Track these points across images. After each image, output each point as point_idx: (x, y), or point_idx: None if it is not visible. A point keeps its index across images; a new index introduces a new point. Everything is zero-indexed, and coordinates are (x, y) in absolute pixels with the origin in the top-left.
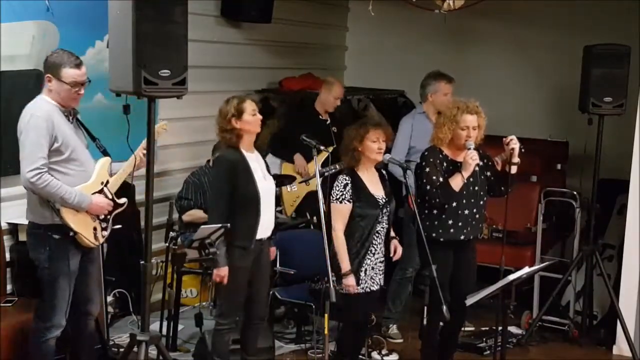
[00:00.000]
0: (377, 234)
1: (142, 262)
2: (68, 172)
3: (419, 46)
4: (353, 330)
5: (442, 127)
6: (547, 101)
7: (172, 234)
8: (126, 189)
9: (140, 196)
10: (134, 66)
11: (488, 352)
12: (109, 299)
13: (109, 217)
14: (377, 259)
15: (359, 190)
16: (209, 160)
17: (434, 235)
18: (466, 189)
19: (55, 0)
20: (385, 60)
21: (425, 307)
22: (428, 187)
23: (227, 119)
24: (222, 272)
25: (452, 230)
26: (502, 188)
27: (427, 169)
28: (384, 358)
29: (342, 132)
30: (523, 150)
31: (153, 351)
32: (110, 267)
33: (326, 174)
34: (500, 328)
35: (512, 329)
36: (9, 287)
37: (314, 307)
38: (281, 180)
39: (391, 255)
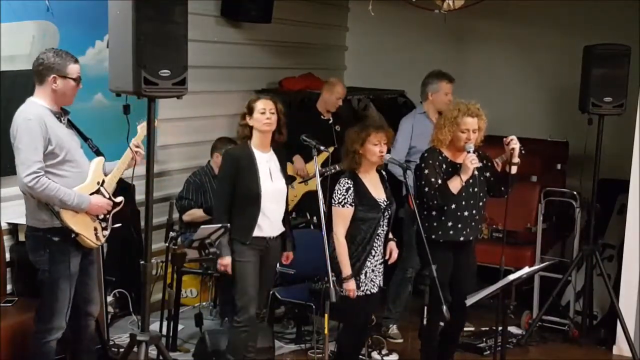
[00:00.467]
0: (377, 237)
1: (142, 262)
2: (64, 174)
3: (419, 46)
4: (353, 332)
5: (443, 128)
6: (547, 101)
7: (172, 234)
8: (126, 189)
9: (140, 196)
10: (134, 66)
11: (488, 352)
12: (109, 299)
13: (108, 216)
14: (377, 261)
15: (361, 193)
16: (209, 161)
17: (433, 236)
18: (465, 191)
19: (55, 0)
20: (385, 60)
21: (425, 307)
22: (426, 189)
23: (242, 114)
24: (225, 262)
25: (451, 232)
26: (502, 188)
27: (426, 171)
28: (384, 358)
29: (345, 132)
30: (523, 151)
31: (153, 351)
32: (110, 267)
33: (326, 174)
34: (500, 328)
35: (512, 329)
36: (9, 287)
37: (314, 307)
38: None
39: (386, 258)
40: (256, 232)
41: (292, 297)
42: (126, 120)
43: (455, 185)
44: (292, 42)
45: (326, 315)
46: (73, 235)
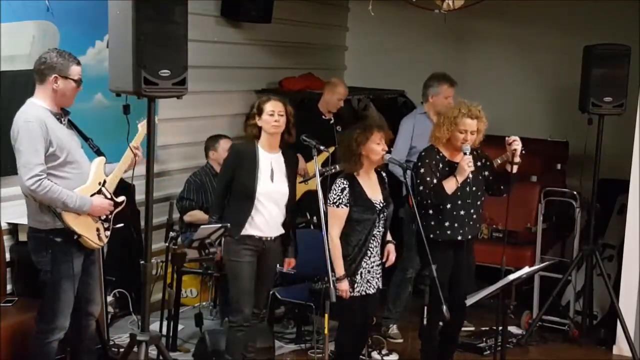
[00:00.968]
0: (373, 238)
1: (142, 262)
2: (65, 176)
3: (419, 46)
4: (350, 332)
5: (441, 126)
6: (547, 101)
7: (172, 234)
8: (126, 189)
9: (140, 196)
10: (134, 66)
11: (488, 352)
12: (109, 299)
13: (109, 216)
14: (374, 262)
15: (357, 194)
16: (208, 161)
17: (431, 236)
18: (462, 190)
19: (55, 0)
20: (385, 60)
21: (425, 307)
22: (421, 188)
23: (252, 114)
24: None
25: (449, 232)
26: (502, 187)
27: (422, 170)
28: (384, 358)
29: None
30: (524, 151)
31: (153, 351)
32: (110, 267)
33: (326, 174)
34: (500, 328)
35: (512, 329)
36: (9, 287)
37: (314, 307)
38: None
39: (383, 260)
40: (252, 231)
41: (292, 297)
42: (126, 120)
43: (450, 185)
44: (292, 42)
45: (326, 315)
46: (75, 237)
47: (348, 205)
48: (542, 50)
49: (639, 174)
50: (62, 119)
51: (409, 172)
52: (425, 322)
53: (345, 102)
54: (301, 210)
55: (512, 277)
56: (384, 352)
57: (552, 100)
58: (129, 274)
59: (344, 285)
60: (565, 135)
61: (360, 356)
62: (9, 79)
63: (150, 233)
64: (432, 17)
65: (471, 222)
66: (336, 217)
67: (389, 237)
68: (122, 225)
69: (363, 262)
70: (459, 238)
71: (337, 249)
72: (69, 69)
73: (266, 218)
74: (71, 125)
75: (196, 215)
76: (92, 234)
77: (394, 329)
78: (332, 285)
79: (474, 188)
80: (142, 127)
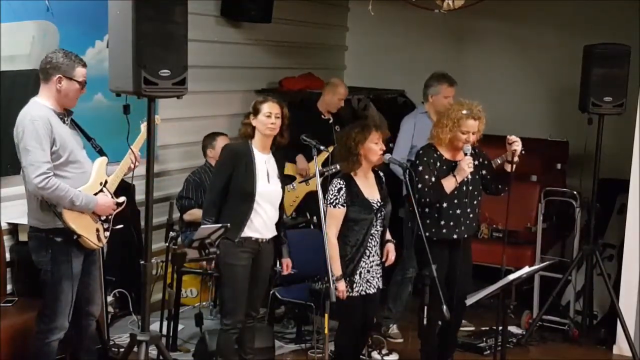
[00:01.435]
0: (371, 237)
1: (142, 262)
2: (67, 175)
3: (419, 46)
4: (349, 332)
5: (444, 127)
6: (547, 101)
7: (172, 233)
8: (126, 189)
9: (140, 196)
10: (134, 66)
11: (488, 352)
12: (109, 299)
13: (109, 217)
14: (373, 261)
15: (354, 194)
16: (206, 159)
17: (427, 234)
18: (459, 189)
19: (55, 0)
20: (385, 60)
21: (425, 307)
22: (419, 186)
23: (247, 114)
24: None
25: (444, 230)
26: (500, 186)
27: (420, 168)
28: (384, 358)
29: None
30: (523, 151)
31: (153, 351)
32: (110, 267)
33: (326, 173)
34: (500, 328)
35: (512, 328)
36: (9, 287)
37: (314, 307)
38: (281, 180)
39: (383, 260)
40: (249, 233)
41: (292, 297)
42: (126, 120)
43: (449, 185)
44: (292, 42)
45: (326, 315)
46: (75, 237)
47: (345, 205)
48: (542, 50)
49: (639, 174)
50: (65, 119)
51: (409, 171)
52: (425, 321)
53: (345, 102)
54: (301, 211)
55: (512, 277)
56: (384, 352)
57: (552, 100)
58: (129, 274)
59: (341, 286)
60: (565, 135)
61: (361, 356)
62: (9, 79)
63: (150, 233)
64: (432, 17)
65: (468, 221)
66: (333, 217)
67: (388, 236)
68: (121, 226)
69: (362, 262)
70: (455, 237)
71: (334, 248)
72: (73, 70)
73: (264, 219)
74: (74, 125)
75: (196, 214)
76: (91, 234)
77: (394, 329)
78: (332, 285)
79: (470, 187)
80: (144, 127)
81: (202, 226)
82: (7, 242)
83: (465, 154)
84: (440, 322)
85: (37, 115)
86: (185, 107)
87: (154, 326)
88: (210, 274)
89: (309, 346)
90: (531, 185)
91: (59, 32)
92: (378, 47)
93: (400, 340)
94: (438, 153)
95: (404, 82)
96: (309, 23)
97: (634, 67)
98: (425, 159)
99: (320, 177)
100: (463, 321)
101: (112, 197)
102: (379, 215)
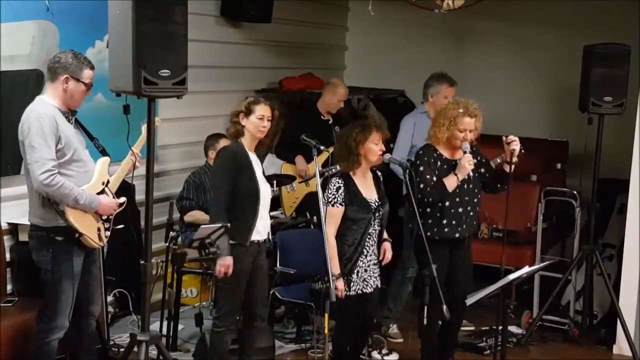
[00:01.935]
0: (369, 237)
1: (142, 262)
2: (70, 174)
3: (419, 46)
4: (347, 331)
5: (441, 126)
6: (547, 101)
7: (172, 233)
8: (126, 189)
9: (140, 196)
10: (134, 66)
11: (488, 352)
12: (109, 299)
13: (110, 217)
14: (370, 261)
15: (352, 194)
16: (206, 160)
17: (428, 234)
18: (459, 188)
19: (55, 0)
20: (385, 60)
21: (425, 307)
22: (421, 186)
23: (236, 112)
24: (226, 262)
25: (446, 229)
26: (499, 185)
27: (421, 168)
28: (384, 358)
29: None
30: (523, 150)
31: (153, 351)
32: (110, 267)
33: (326, 174)
34: (500, 328)
35: (512, 328)
36: (9, 287)
37: (314, 307)
38: (281, 180)
39: (380, 258)
40: (255, 236)
41: (292, 297)
42: (126, 120)
43: (451, 183)
44: (292, 42)
45: (326, 315)
46: (77, 235)
47: (343, 204)
48: (542, 50)
49: (639, 174)
50: (70, 118)
51: (409, 171)
52: (425, 321)
53: (345, 102)
54: (301, 211)
55: (512, 276)
56: (384, 351)
57: (552, 100)
58: (129, 274)
59: (339, 285)
60: (565, 134)
61: (361, 356)
62: (8, 79)
63: (150, 233)
64: (432, 17)
65: (468, 220)
66: (332, 216)
67: (385, 235)
68: (122, 226)
69: (359, 261)
70: (457, 236)
71: (332, 248)
72: (81, 72)
73: (265, 220)
74: (78, 124)
75: (196, 215)
76: (93, 233)
77: (394, 329)
78: (332, 285)
79: (470, 186)
80: (145, 129)
81: (202, 226)
82: (7, 242)
83: (465, 152)
84: (440, 322)
85: (43, 112)
86: (185, 107)
87: (154, 326)
88: (210, 274)
89: (309, 346)
90: (531, 185)
91: (59, 32)
92: (378, 47)
93: (400, 340)
94: (438, 152)
95: (404, 82)
96: (309, 23)
97: (634, 67)
98: (425, 158)
99: (320, 177)
100: (463, 321)
101: (113, 197)
102: (376, 214)
